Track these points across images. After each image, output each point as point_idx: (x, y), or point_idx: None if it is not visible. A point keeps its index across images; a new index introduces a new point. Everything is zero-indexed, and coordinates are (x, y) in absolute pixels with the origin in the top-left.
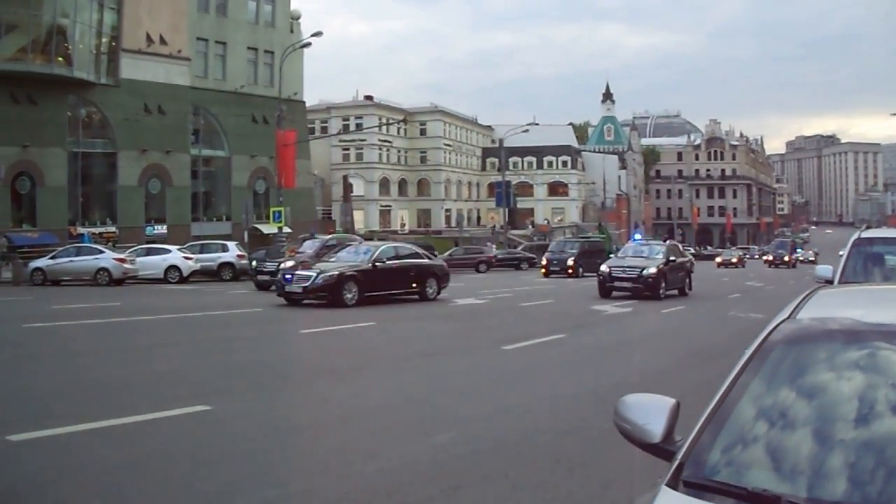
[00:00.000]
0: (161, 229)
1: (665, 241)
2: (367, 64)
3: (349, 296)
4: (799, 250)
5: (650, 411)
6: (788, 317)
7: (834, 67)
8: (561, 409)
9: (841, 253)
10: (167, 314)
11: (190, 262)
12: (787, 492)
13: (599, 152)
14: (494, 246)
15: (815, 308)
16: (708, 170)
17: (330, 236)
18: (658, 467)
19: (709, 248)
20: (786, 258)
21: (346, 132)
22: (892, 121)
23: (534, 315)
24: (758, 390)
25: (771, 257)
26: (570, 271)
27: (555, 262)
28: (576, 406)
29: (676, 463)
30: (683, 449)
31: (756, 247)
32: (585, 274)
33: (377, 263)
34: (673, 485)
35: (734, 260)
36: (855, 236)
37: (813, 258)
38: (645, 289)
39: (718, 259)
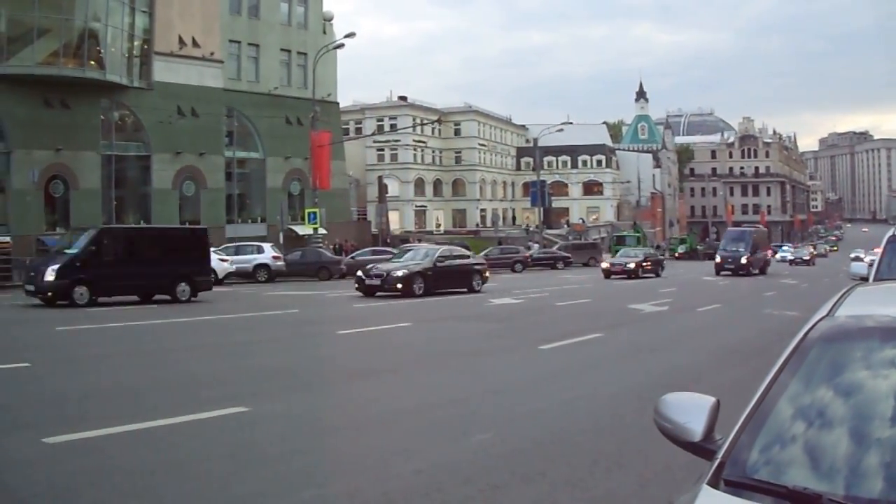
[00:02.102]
0: None
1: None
2: (400, 64)
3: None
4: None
5: (690, 410)
6: (827, 314)
7: (866, 63)
8: (598, 409)
9: (853, 255)
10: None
11: (225, 264)
12: (826, 490)
13: (633, 151)
14: (537, 245)
15: (854, 306)
16: (742, 167)
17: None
18: (695, 466)
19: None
20: (744, 259)
21: (380, 133)
22: None
23: (570, 315)
24: (797, 389)
25: (719, 259)
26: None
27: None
28: (613, 405)
29: (717, 462)
30: (724, 448)
31: (790, 245)
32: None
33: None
34: (714, 483)
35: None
36: (890, 233)
37: (825, 252)
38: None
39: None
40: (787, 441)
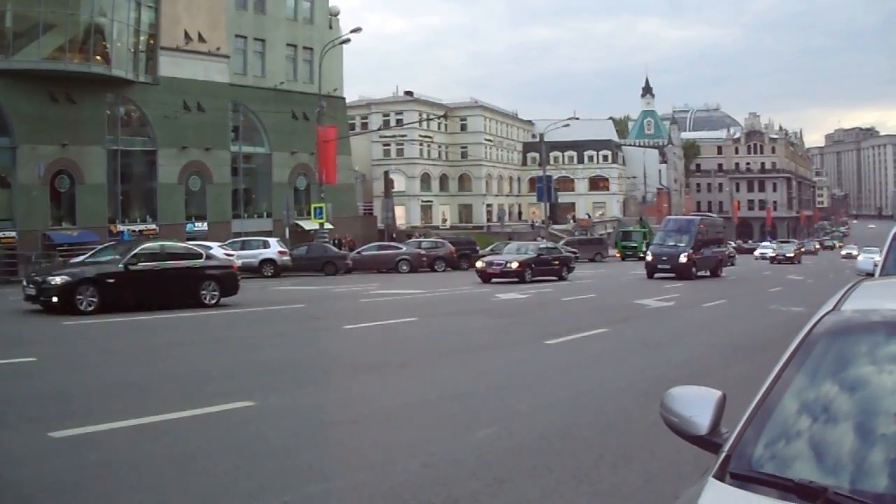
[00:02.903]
0: (202, 226)
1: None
2: (406, 60)
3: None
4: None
5: (697, 404)
6: (832, 309)
7: (872, 59)
8: (604, 403)
9: (844, 252)
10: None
11: (231, 259)
12: (831, 484)
13: (640, 146)
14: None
15: (859, 300)
16: (748, 163)
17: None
18: (701, 461)
19: (749, 241)
20: (684, 257)
21: (386, 128)
22: None
23: (576, 310)
24: (802, 383)
25: (650, 257)
26: None
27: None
28: (619, 400)
29: (723, 455)
30: (730, 441)
31: (796, 241)
32: None
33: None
34: (720, 476)
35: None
36: (895, 229)
37: (816, 249)
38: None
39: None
40: (793, 435)
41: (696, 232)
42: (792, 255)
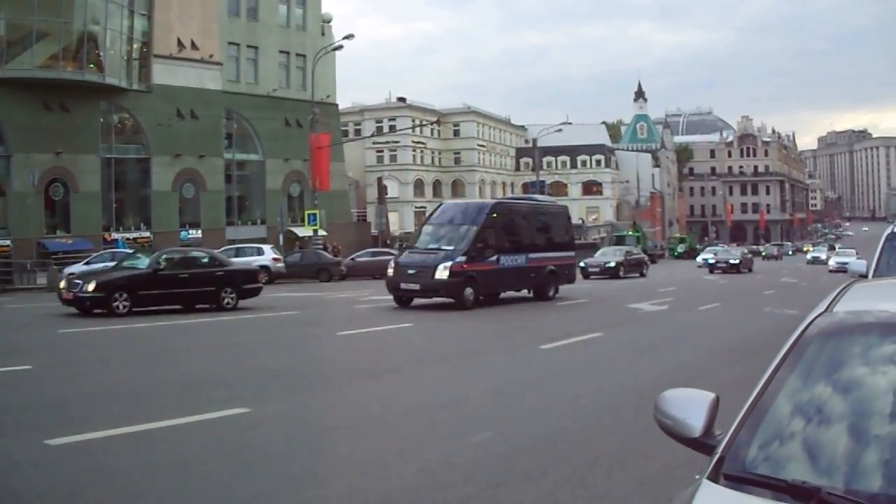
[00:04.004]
0: (196, 234)
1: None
2: (399, 66)
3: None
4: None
5: (690, 406)
6: (825, 310)
7: (864, 61)
8: (599, 407)
9: (811, 256)
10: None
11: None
12: (825, 484)
13: (633, 151)
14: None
15: (852, 301)
16: (741, 167)
17: None
18: (696, 465)
19: (743, 244)
20: (444, 270)
21: (379, 134)
22: None
23: (570, 314)
24: (795, 384)
25: (391, 270)
26: None
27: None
28: (614, 404)
29: (717, 456)
30: (723, 443)
31: (790, 243)
32: None
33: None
34: (714, 478)
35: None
36: (888, 231)
37: (778, 254)
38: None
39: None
40: (786, 436)
41: (485, 226)
42: (737, 261)
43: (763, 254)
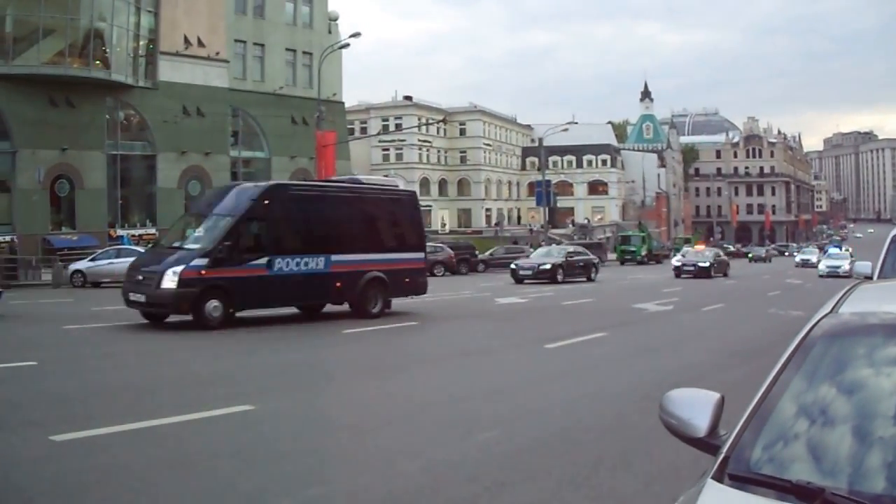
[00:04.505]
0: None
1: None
2: (405, 64)
3: (560, 277)
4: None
5: (695, 406)
6: (830, 312)
7: (870, 63)
8: (603, 407)
9: (800, 258)
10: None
11: None
12: (829, 485)
13: (638, 151)
14: (545, 244)
15: (857, 303)
16: (746, 167)
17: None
18: (700, 465)
19: (748, 245)
20: (171, 279)
21: (385, 132)
22: None
23: (575, 314)
24: (800, 385)
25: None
26: None
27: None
28: (618, 404)
29: (721, 456)
30: (728, 443)
31: (795, 244)
32: None
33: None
34: (718, 478)
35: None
36: (893, 232)
37: (766, 255)
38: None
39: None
40: (791, 437)
41: (246, 217)
42: (707, 264)
43: (749, 256)
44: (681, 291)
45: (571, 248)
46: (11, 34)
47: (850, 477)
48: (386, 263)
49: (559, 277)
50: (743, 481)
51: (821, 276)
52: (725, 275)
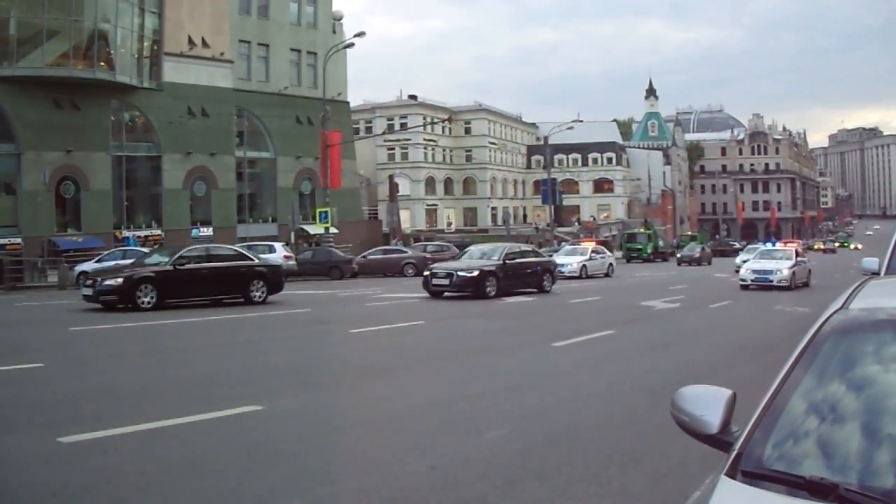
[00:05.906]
0: (207, 231)
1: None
2: (410, 63)
3: (491, 290)
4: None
5: (707, 403)
6: (840, 308)
7: (875, 59)
8: (612, 404)
9: (740, 260)
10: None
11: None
12: (842, 480)
13: (644, 148)
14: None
15: (866, 299)
16: (752, 164)
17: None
18: (710, 461)
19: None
20: None
21: (390, 132)
22: None
23: (583, 312)
24: (811, 381)
25: None
26: None
27: None
28: (627, 401)
29: (734, 453)
30: (741, 439)
31: (801, 240)
32: None
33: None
34: (731, 474)
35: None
36: None
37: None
38: None
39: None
40: (802, 433)
41: None
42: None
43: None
44: (687, 289)
45: (517, 249)
46: (15, 36)
47: (861, 473)
48: None
49: (489, 290)
50: (756, 478)
51: (743, 287)
52: (807, 285)
